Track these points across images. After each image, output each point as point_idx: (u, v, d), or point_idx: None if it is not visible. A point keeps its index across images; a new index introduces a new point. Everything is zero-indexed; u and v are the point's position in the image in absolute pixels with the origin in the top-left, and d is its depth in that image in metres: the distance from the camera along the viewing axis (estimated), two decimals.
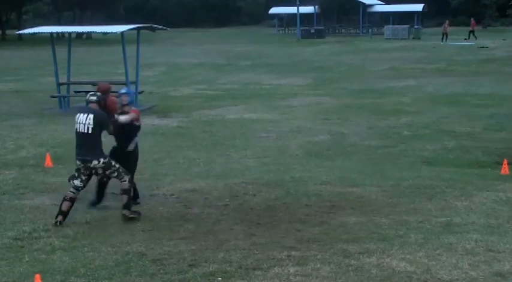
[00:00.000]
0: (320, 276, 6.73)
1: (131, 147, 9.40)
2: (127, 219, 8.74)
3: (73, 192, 8.85)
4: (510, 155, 12.47)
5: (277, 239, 7.91)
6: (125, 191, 8.85)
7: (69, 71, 20.92)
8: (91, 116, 8.72)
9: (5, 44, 55.81)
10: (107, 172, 8.85)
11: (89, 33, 57.38)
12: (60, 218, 8.67)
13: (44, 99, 21.37)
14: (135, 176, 9.41)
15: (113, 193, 10.14)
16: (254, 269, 6.93)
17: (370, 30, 63.25)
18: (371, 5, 66.25)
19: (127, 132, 9.30)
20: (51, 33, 20.86)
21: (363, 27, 64.38)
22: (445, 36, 48.60)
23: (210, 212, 9.11)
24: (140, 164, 12.25)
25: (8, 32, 61.89)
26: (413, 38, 53.31)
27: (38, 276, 6.46)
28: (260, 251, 7.46)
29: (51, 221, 8.67)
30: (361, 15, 64.00)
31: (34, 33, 20.91)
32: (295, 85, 25.52)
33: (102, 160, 8.74)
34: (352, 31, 66.19)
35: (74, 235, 8.18)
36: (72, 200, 8.82)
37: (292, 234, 8.10)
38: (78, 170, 8.87)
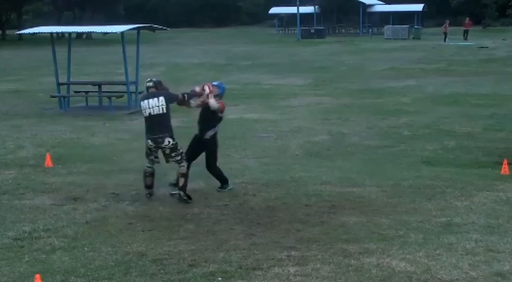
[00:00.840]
0: (320, 276, 6.73)
1: (209, 134, 10.08)
2: (180, 200, 9.53)
3: (149, 167, 9.89)
4: (510, 155, 12.47)
5: (277, 239, 7.92)
6: (182, 175, 9.63)
7: (69, 71, 20.93)
8: (161, 97, 9.59)
9: (5, 44, 55.80)
10: (173, 154, 9.66)
11: (89, 33, 57.34)
12: (149, 191, 9.84)
13: (44, 99, 21.37)
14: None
15: (113, 193, 10.17)
16: (254, 269, 6.93)
17: (370, 30, 63.28)
18: (371, 5, 66.29)
19: (210, 121, 10.06)
20: (51, 33, 20.87)
21: (362, 27, 64.41)
22: (445, 36, 48.62)
23: (210, 212, 9.12)
24: (140, 164, 12.28)
25: (8, 32, 61.84)
26: (413, 38, 53.33)
27: (38, 276, 6.46)
28: (260, 251, 7.46)
29: (51, 221, 8.68)
30: (361, 15, 64.02)
31: (34, 33, 20.89)
32: (295, 85, 25.51)
33: (171, 141, 9.61)
34: (352, 31, 66.23)
35: (74, 235, 8.18)
36: (152, 174, 9.87)
37: (292, 234, 8.10)
38: (149, 149, 9.82)
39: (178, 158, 9.69)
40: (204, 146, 10.13)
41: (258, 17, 78.93)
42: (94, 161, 12.57)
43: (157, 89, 9.77)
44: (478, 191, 10.11)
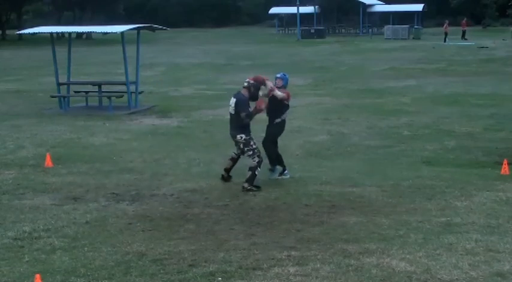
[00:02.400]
0: (320, 276, 6.73)
1: (277, 120, 10.94)
2: (245, 191, 10.13)
3: (234, 153, 10.80)
4: (510, 155, 12.47)
5: (277, 239, 7.92)
6: (251, 168, 10.33)
7: (69, 71, 20.93)
8: (234, 100, 10.48)
9: (5, 44, 55.82)
10: (245, 148, 10.42)
11: (89, 33, 57.38)
12: (224, 173, 10.73)
13: (44, 99, 21.37)
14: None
15: (113, 193, 10.17)
16: (254, 269, 6.93)
17: (370, 30, 63.31)
18: (371, 5, 66.32)
19: (278, 108, 10.83)
20: (51, 33, 20.86)
21: (362, 27, 64.42)
22: (445, 36, 48.64)
23: (210, 212, 9.12)
24: (140, 164, 12.32)
25: (8, 32, 61.88)
26: (413, 38, 53.36)
27: (38, 276, 6.46)
28: (260, 251, 7.46)
29: (51, 221, 8.69)
30: (361, 15, 64.04)
31: (34, 33, 20.89)
32: (295, 85, 25.41)
33: (243, 136, 10.39)
34: (352, 31, 66.27)
35: (74, 235, 8.18)
36: (232, 159, 10.78)
37: (292, 234, 8.10)
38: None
39: (250, 152, 10.41)
40: (270, 127, 11.06)
41: (258, 17, 78.96)
42: (94, 161, 12.57)
43: (250, 92, 10.48)
44: (478, 191, 10.12)
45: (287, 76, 11.05)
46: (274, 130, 11.02)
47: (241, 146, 10.46)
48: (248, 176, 10.31)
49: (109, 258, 7.34)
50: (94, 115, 18.39)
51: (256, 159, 10.39)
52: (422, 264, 7.02)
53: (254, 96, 10.48)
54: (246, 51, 42.74)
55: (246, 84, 10.53)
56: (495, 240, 7.78)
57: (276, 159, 11.02)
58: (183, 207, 9.40)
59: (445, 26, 49.33)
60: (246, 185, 10.24)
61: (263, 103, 10.58)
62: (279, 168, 11.06)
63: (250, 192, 10.07)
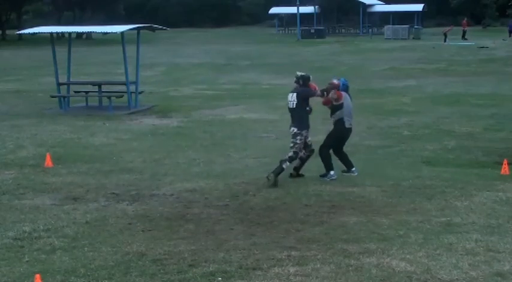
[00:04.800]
0: (320, 276, 6.73)
1: (332, 120, 11.19)
2: (267, 181, 10.36)
3: (303, 153, 10.92)
4: (510, 155, 12.47)
5: (277, 239, 7.92)
6: (281, 161, 10.57)
7: (69, 71, 20.92)
8: (294, 94, 10.75)
9: (5, 44, 55.82)
10: (291, 140, 10.72)
11: (89, 33, 57.36)
12: (293, 172, 10.94)
13: (44, 99, 21.37)
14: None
15: (113, 193, 10.17)
16: (254, 269, 6.93)
17: (370, 30, 63.32)
18: (371, 5, 66.33)
19: (332, 109, 11.13)
20: (51, 33, 20.86)
21: (363, 27, 64.43)
22: (445, 37, 48.67)
23: (210, 212, 9.11)
24: (140, 164, 12.32)
25: (8, 32, 61.86)
26: (413, 38, 53.36)
27: (38, 276, 6.46)
28: (260, 251, 7.46)
29: (51, 221, 8.69)
30: (361, 15, 64.05)
31: (34, 33, 20.88)
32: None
33: (295, 130, 10.70)
34: (352, 31, 66.29)
35: (74, 235, 8.18)
36: (300, 158, 10.88)
37: (292, 234, 8.10)
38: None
39: (291, 145, 10.68)
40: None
41: (258, 17, 78.94)
42: (94, 161, 12.57)
43: (300, 85, 10.77)
44: (478, 191, 10.11)
45: (346, 82, 11.23)
46: (330, 134, 11.27)
47: (291, 137, 10.73)
48: (277, 167, 10.51)
49: (109, 258, 7.34)
50: (94, 115, 18.38)
51: (291, 154, 10.61)
52: (422, 264, 7.02)
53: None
54: (246, 51, 42.74)
55: (295, 78, 10.87)
56: (495, 240, 7.78)
57: (329, 165, 10.96)
58: (183, 207, 9.39)
59: (447, 29, 49.34)
60: (271, 175, 10.41)
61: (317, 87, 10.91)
62: (331, 173, 10.94)
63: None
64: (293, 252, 7.39)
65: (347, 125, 11.07)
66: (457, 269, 6.88)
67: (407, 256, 7.26)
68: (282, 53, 41.27)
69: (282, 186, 10.43)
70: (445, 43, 46.94)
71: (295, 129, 10.67)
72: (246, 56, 39.03)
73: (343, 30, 67.93)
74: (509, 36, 51.48)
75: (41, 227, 8.45)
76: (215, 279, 6.72)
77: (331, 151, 11.18)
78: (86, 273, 6.89)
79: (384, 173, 11.39)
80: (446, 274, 6.76)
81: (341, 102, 10.95)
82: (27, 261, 7.30)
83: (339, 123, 11.07)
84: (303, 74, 10.92)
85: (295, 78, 10.86)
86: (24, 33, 23.37)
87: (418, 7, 63.66)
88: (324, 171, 11.02)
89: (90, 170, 11.82)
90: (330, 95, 10.88)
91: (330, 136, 11.26)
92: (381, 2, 68.84)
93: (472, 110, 18.83)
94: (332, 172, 10.91)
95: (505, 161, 11.60)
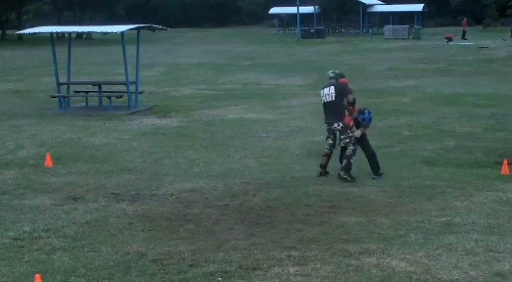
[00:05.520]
0: (320, 276, 6.73)
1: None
2: (340, 179, 10.60)
3: (329, 149, 11.07)
4: (510, 155, 12.47)
5: (277, 239, 7.92)
6: (346, 157, 10.72)
7: (69, 71, 20.93)
8: (332, 87, 10.86)
9: (5, 44, 55.80)
10: (342, 136, 10.82)
11: (89, 33, 57.35)
12: (321, 170, 10.96)
13: (44, 99, 21.38)
14: None
15: (113, 193, 10.17)
16: (254, 269, 6.93)
17: (370, 30, 63.31)
18: (371, 5, 66.30)
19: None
20: (51, 33, 20.86)
21: (363, 27, 64.42)
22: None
23: (210, 212, 9.11)
24: (140, 164, 12.32)
25: (8, 32, 61.88)
26: (413, 38, 53.37)
27: (38, 276, 6.46)
28: (260, 251, 7.46)
29: (51, 221, 8.69)
30: (361, 15, 64.04)
31: (34, 33, 20.90)
32: (295, 85, 25.52)
33: (341, 124, 10.80)
34: (352, 31, 66.27)
35: (74, 235, 8.18)
36: (327, 155, 11.02)
37: (292, 234, 8.10)
38: (327, 131, 11.12)
39: (347, 140, 10.76)
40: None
41: (258, 17, 78.95)
42: (94, 161, 12.57)
43: (337, 80, 10.93)
44: (478, 191, 10.11)
45: (368, 116, 11.17)
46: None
47: (338, 133, 10.83)
48: (345, 164, 10.68)
49: (109, 258, 7.34)
50: (94, 115, 18.39)
51: (352, 147, 10.72)
52: (422, 264, 7.02)
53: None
54: (246, 51, 42.74)
55: (333, 74, 11.06)
56: (495, 240, 7.78)
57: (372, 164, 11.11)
58: (183, 207, 9.39)
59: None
60: (342, 173, 10.63)
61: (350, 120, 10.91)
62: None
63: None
64: (293, 252, 7.39)
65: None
66: (457, 269, 6.88)
67: (407, 256, 7.26)
68: (282, 53, 41.28)
69: (282, 186, 10.44)
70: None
71: (341, 124, 10.81)
72: (246, 56, 39.03)
73: (343, 30, 67.91)
74: (511, 36, 51.28)
75: (41, 227, 8.45)
76: (215, 279, 6.72)
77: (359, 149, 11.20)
78: (86, 273, 6.89)
79: (384, 173, 11.39)
80: (446, 274, 6.76)
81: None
82: (27, 261, 7.30)
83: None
84: (339, 72, 11.29)
85: (332, 74, 11.09)
86: (24, 33, 23.39)
87: (418, 7, 63.65)
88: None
89: (90, 170, 11.82)
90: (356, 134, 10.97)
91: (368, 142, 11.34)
92: (381, 2, 68.80)
93: (472, 110, 18.82)
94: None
95: (505, 161, 11.60)
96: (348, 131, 10.78)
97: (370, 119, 11.27)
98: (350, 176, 10.68)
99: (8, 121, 17.44)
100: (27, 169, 11.91)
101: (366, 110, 11.18)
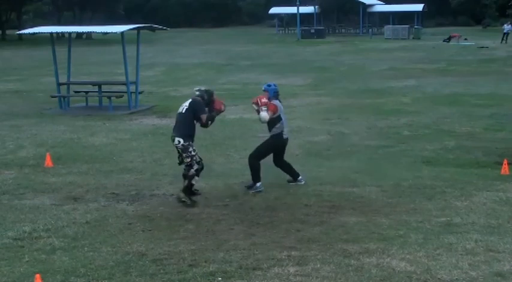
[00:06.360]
0: (320, 276, 6.73)
1: (272, 133, 10.27)
2: (179, 201, 9.39)
3: (184, 169, 9.73)
4: (510, 155, 12.47)
5: (277, 239, 7.91)
6: (189, 177, 9.52)
7: (69, 71, 20.93)
8: (190, 100, 9.74)
9: (5, 44, 55.81)
10: (184, 155, 9.52)
11: (89, 33, 57.39)
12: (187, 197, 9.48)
13: (44, 99, 21.38)
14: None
15: (113, 193, 10.17)
16: (254, 269, 6.93)
17: (370, 30, 63.34)
18: (371, 5, 66.36)
19: (270, 121, 10.17)
20: (51, 33, 20.86)
21: (363, 27, 64.45)
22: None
23: (210, 212, 9.11)
24: (140, 164, 12.31)
25: (8, 32, 61.91)
26: (413, 38, 53.39)
27: (38, 276, 6.46)
28: (260, 251, 7.46)
29: (51, 221, 8.69)
30: (361, 15, 64.07)
31: (34, 33, 20.90)
32: (295, 85, 25.50)
33: (181, 142, 9.46)
34: (352, 31, 66.31)
35: (74, 235, 8.18)
36: (184, 176, 9.66)
37: (292, 234, 8.10)
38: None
39: (188, 160, 9.54)
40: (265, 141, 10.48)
41: (258, 17, 79.01)
42: (94, 161, 12.57)
43: (203, 99, 9.81)
44: (478, 191, 10.11)
45: (272, 86, 10.30)
46: (264, 144, 10.42)
47: (180, 151, 9.56)
48: (184, 184, 9.54)
49: (109, 258, 7.34)
50: (94, 115, 18.39)
51: (195, 167, 9.56)
52: (422, 264, 7.02)
53: (207, 103, 9.85)
54: (246, 51, 42.74)
55: (198, 92, 9.88)
56: (495, 240, 7.78)
57: (257, 177, 10.17)
58: (183, 207, 9.39)
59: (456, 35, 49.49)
60: (181, 194, 9.49)
61: (222, 104, 9.99)
62: (257, 185, 10.19)
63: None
64: (293, 252, 7.39)
65: (285, 137, 10.33)
66: (457, 269, 6.88)
67: (407, 256, 7.26)
68: (282, 53, 41.27)
69: (282, 186, 10.43)
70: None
71: (182, 141, 9.47)
72: (246, 56, 39.03)
73: (343, 30, 67.95)
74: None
75: (41, 227, 8.45)
76: (215, 279, 6.72)
77: (271, 163, 10.50)
78: (86, 273, 6.89)
79: (384, 173, 11.39)
80: (446, 274, 6.76)
81: (278, 114, 10.17)
82: (27, 261, 7.30)
83: (278, 136, 10.24)
84: (206, 89, 10.00)
85: (197, 92, 9.90)
86: (24, 33, 23.38)
87: (418, 7, 63.70)
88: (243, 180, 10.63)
89: (90, 170, 11.82)
90: (261, 117, 10.02)
91: (263, 147, 10.40)
92: (381, 2, 68.85)
93: (472, 110, 18.82)
94: (259, 184, 10.15)
95: (505, 161, 11.60)
96: (189, 150, 9.49)
97: (276, 92, 10.25)
98: (190, 199, 9.46)
99: (8, 121, 17.44)
100: (27, 169, 11.91)
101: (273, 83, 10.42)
